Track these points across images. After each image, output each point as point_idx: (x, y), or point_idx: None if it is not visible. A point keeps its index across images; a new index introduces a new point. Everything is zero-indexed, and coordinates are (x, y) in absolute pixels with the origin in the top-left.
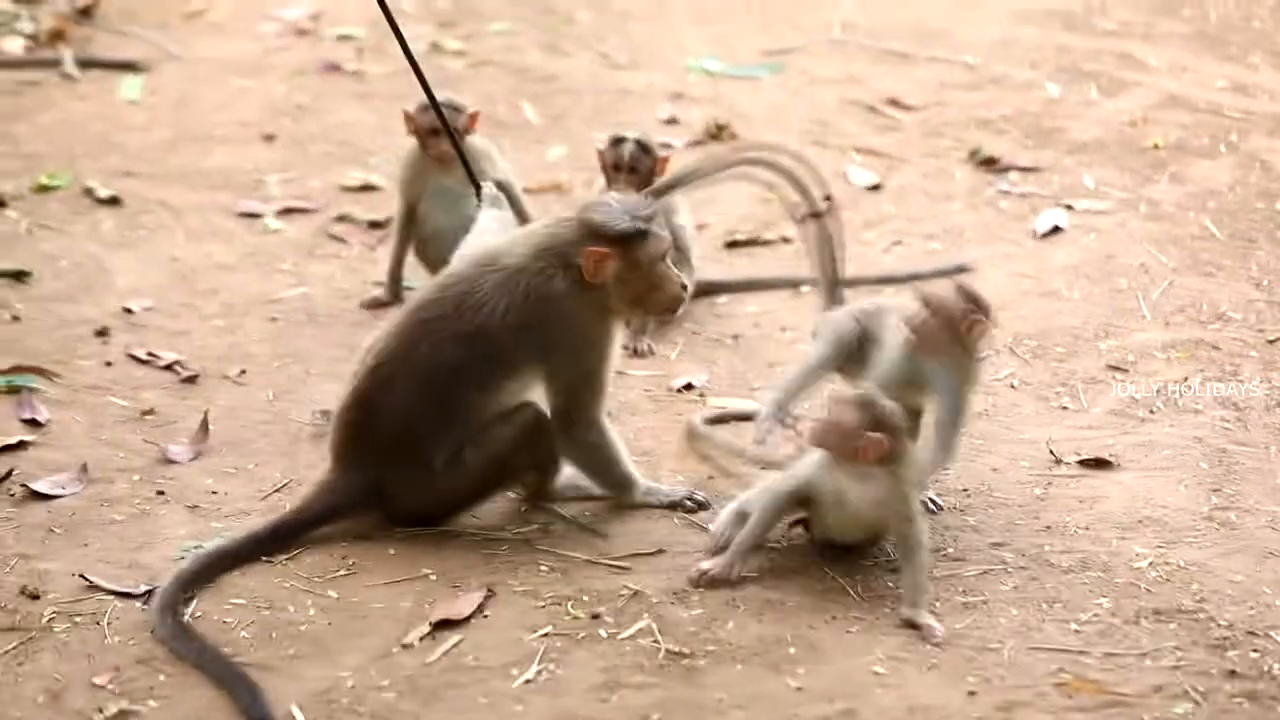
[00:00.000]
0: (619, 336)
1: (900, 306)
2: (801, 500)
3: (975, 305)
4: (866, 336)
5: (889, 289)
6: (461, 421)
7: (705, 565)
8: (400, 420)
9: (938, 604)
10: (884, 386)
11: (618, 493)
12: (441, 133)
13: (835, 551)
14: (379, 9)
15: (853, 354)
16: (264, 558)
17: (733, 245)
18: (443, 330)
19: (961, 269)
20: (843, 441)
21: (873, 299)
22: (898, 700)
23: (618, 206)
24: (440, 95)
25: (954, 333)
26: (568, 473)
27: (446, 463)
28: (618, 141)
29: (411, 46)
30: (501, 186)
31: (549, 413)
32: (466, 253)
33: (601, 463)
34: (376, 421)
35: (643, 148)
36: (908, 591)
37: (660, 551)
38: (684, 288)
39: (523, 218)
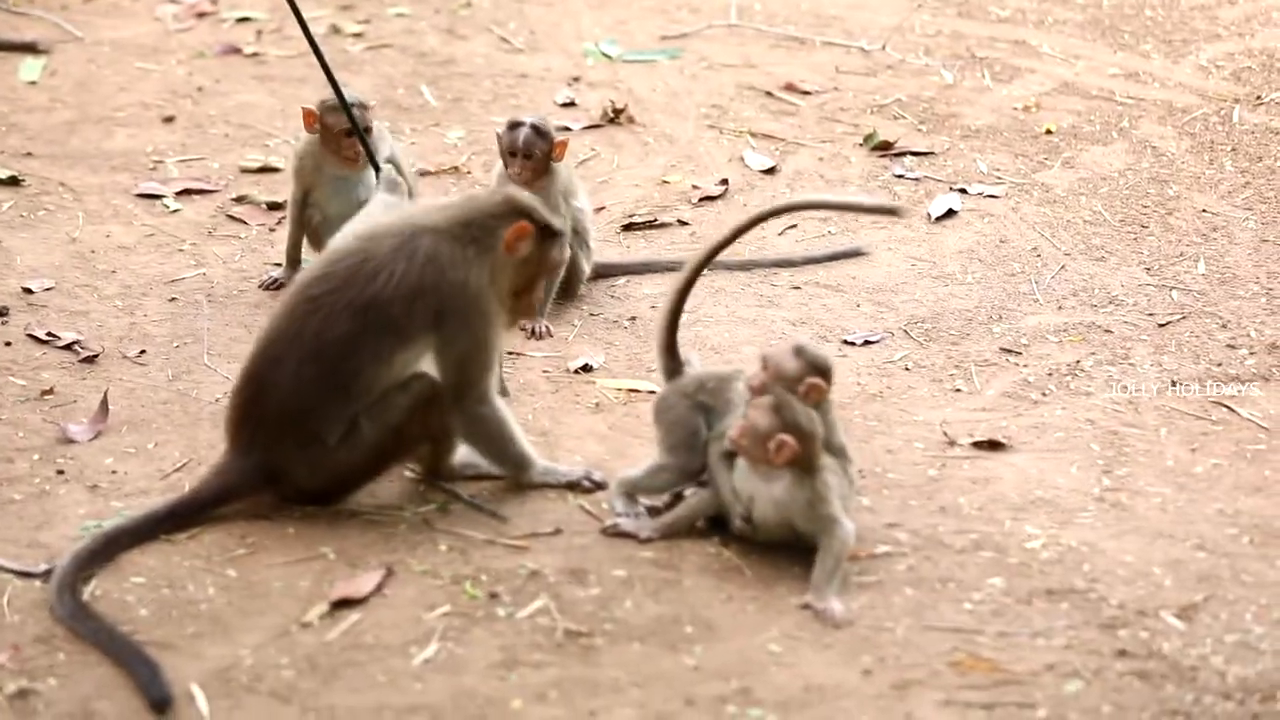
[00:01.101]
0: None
1: (740, 374)
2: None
3: (814, 369)
4: (711, 412)
5: (785, 272)
6: (355, 394)
7: (622, 522)
8: (290, 398)
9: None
10: None
11: (513, 471)
12: (518, 153)
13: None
14: None
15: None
16: (162, 537)
17: (630, 228)
18: (334, 304)
19: (856, 252)
20: (756, 444)
21: (711, 370)
22: (793, 679)
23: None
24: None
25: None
26: (465, 451)
27: (341, 438)
28: (514, 125)
29: (311, 29)
30: (392, 163)
31: (449, 393)
32: (353, 230)
33: (493, 437)
34: (266, 400)
35: (538, 132)
36: (815, 580)
37: (558, 531)
38: (543, 302)
39: (409, 192)
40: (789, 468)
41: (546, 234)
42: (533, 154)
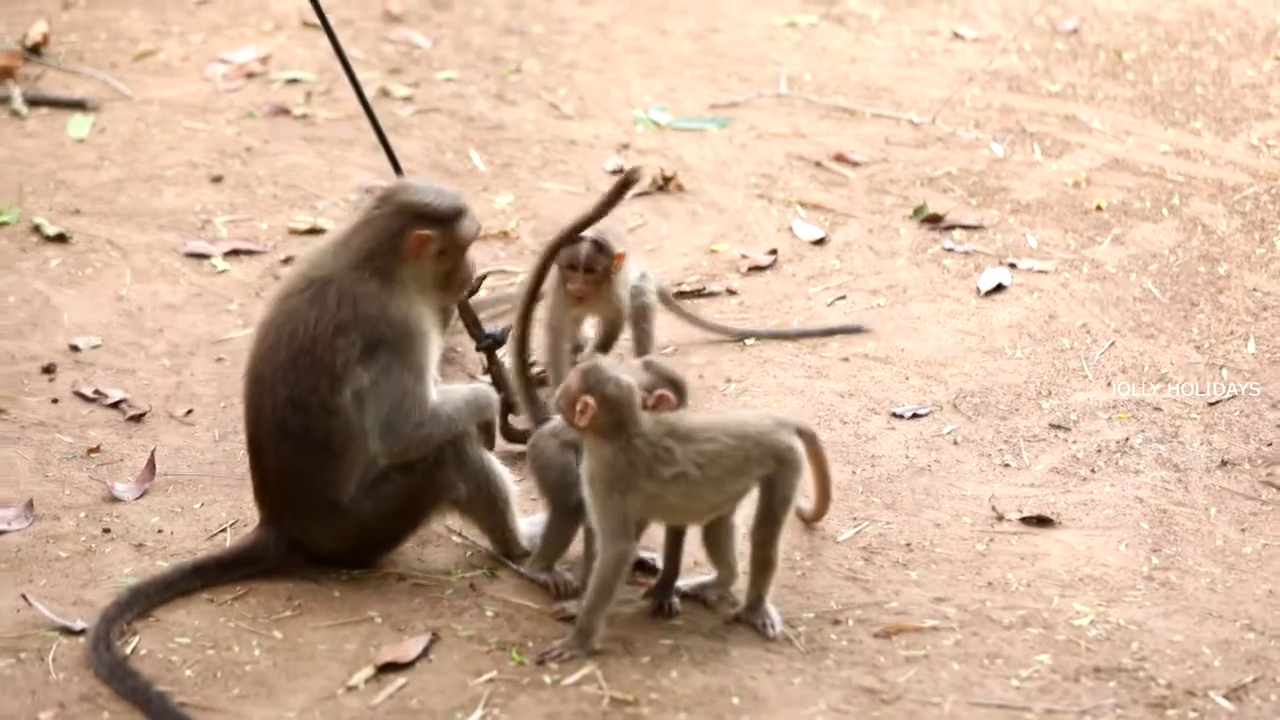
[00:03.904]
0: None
1: None
2: None
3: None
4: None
5: (834, 343)
6: (338, 451)
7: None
8: (285, 477)
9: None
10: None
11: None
12: (579, 268)
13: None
14: (330, 55)
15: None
16: (191, 592)
17: (678, 296)
18: (273, 375)
19: (856, 329)
20: (567, 407)
21: None
22: None
23: (431, 188)
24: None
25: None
26: (529, 532)
27: (362, 492)
28: (574, 241)
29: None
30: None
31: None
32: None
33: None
34: (268, 480)
35: (599, 247)
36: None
37: None
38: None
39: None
40: (598, 434)
41: (452, 220)
42: (594, 269)
